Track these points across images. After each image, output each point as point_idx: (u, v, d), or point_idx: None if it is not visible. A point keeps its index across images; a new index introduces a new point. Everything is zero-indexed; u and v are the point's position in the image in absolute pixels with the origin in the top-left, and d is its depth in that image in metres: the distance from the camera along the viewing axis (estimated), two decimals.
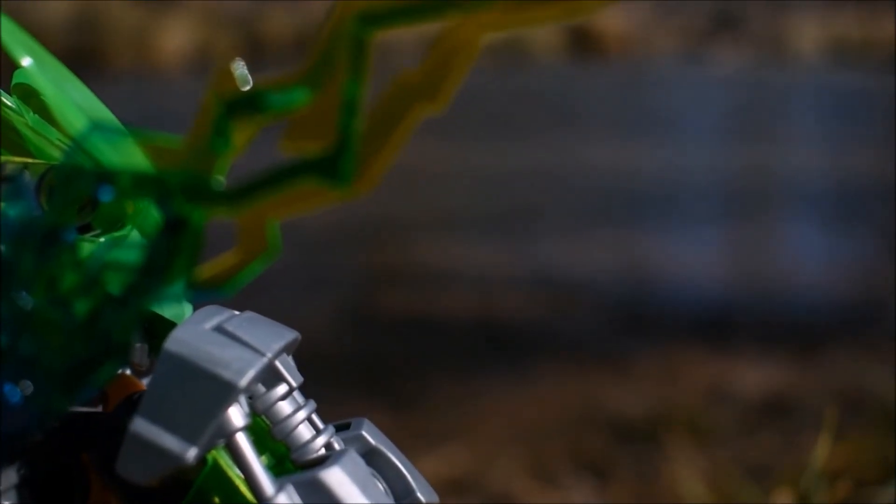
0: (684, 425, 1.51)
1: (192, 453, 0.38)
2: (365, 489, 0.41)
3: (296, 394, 0.44)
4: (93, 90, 0.50)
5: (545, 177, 3.78)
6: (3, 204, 0.39)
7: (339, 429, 0.47)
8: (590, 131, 4.87)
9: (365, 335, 2.00)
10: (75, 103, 0.48)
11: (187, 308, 0.47)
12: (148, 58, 6.42)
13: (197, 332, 0.41)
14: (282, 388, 0.43)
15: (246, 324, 0.43)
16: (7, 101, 0.46)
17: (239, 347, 0.41)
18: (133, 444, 0.39)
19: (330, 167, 0.34)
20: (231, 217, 0.36)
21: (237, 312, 0.44)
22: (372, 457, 0.46)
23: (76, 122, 0.47)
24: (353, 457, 0.42)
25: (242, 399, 0.40)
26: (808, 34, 8.70)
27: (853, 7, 8.89)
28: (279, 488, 0.40)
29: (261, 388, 0.43)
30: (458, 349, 1.93)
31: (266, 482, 0.40)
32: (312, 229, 2.91)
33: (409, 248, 2.76)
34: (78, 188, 0.37)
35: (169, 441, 0.38)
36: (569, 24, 8.43)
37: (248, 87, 0.35)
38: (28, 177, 0.44)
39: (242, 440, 0.40)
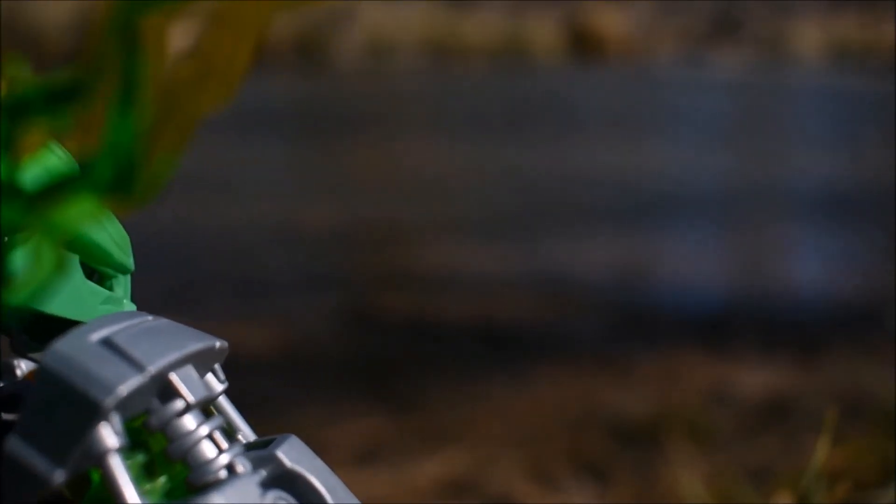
0: (684, 427, 1.51)
1: (57, 476, 0.37)
2: None
3: (199, 409, 0.42)
4: None
5: (545, 179, 3.79)
6: None
7: (260, 446, 0.44)
8: (590, 133, 4.87)
9: (363, 337, 2.00)
10: None
11: (99, 302, 0.45)
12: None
13: (79, 343, 0.39)
14: (178, 404, 0.40)
15: (141, 335, 0.40)
16: None
17: (118, 362, 0.39)
18: (7, 464, 0.37)
19: (97, 169, 0.32)
20: (20, 225, 0.34)
21: (146, 319, 0.42)
22: (288, 480, 0.43)
23: None
24: (246, 483, 0.40)
25: (116, 419, 0.38)
26: (809, 37, 8.70)
27: (854, 10, 8.89)
28: None
29: (156, 402, 0.41)
30: (457, 351, 1.93)
31: None
32: (312, 230, 2.91)
33: (409, 250, 2.77)
34: None
35: (38, 462, 0.37)
36: (569, 25, 8.43)
37: (26, 89, 0.33)
38: None
39: (113, 463, 0.38)
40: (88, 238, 0.46)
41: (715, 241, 2.92)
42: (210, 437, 0.41)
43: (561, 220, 3.11)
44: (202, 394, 0.41)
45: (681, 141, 4.67)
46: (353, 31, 7.56)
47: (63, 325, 0.42)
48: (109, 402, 0.37)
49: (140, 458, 0.42)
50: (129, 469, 0.38)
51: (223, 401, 0.45)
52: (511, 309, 2.19)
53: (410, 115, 5.49)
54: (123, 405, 0.38)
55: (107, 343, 0.39)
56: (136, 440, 0.41)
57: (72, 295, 0.44)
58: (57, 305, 0.43)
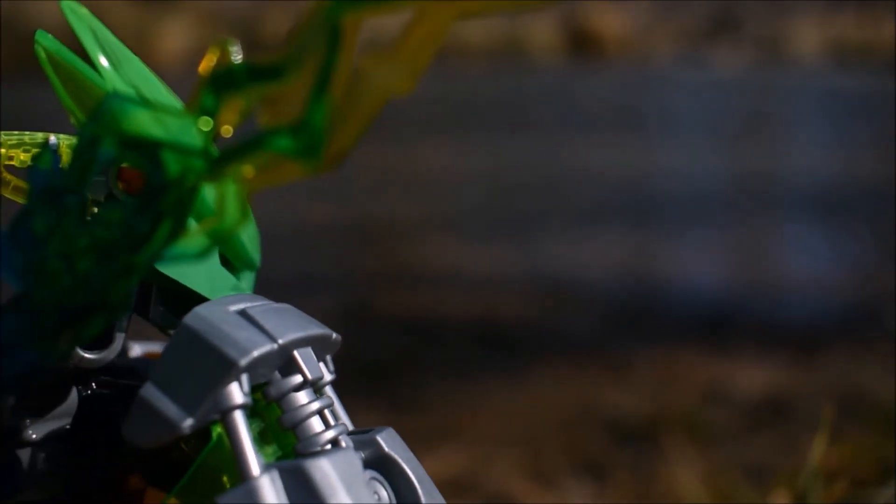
0: (682, 426, 1.51)
1: (187, 423, 0.40)
2: (350, 489, 0.41)
3: (312, 389, 0.45)
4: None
5: (544, 178, 3.79)
6: (33, 165, 0.42)
7: (361, 433, 0.47)
8: (589, 132, 4.87)
9: (363, 335, 2.00)
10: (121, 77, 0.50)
11: (229, 288, 0.49)
12: (147, 58, 6.43)
13: (219, 311, 0.42)
14: (297, 378, 0.44)
15: (271, 312, 0.44)
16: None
17: (252, 330, 0.42)
18: (139, 408, 0.40)
19: (293, 136, 0.36)
20: (209, 181, 0.38)
21: (272, 302, 0.46)
22: (384, 464, 0.46)
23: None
24: (350, 456, 0.43)
25: (245, 379, 0.41)
26: (808, 36, 8.70)
27: (852, 9, 8.89)
28: (264, 470, 0.40)
29: (277, 375, 0.44)
30: (455, 349, 1.93)
31: (253, 462, 0.40)
32: (310, 229, 2.92)
33: (408, 249, 2.77)
34: (83, 153, 0.39)
35: (170, 409, 0.40)
36: (568, 24, 8.43)
37: (233, 63, 0.37)
38: (55, 142, 0.48)
39: (238, 418, 0.41)
40: (243, 235, 0.50)
41: (713, 240, 2.92)
42: (320, 413, 0.45)
43: (560, 219, 3.12)
44: (317, 373, 0.45)
45: (680, 140, 4.67)
46: None
47: (195, 304, 0.45)
48: (244, 361, 0.41)
49: (255, 425, 0.45)
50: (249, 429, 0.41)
51: (330, 390, 0.48)
52: (509, 308, 2.20)
53: (409, 114, 5.49)
54: (253, 369, 0.42)
55: (243, 314, 0.43)
56: (252, 408, 0.44)
57: (208, 276, 0.48)
58: (195, 280, 0.47)
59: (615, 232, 2.96)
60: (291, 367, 0.44)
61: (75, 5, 0.50)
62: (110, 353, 0.47)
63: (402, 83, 0.35)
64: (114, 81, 0.47)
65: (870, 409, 1.51)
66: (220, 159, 0.37)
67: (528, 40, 8.31)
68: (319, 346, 0.46)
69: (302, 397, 0.44)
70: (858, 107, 5.74)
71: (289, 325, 0.44)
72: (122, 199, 0.44)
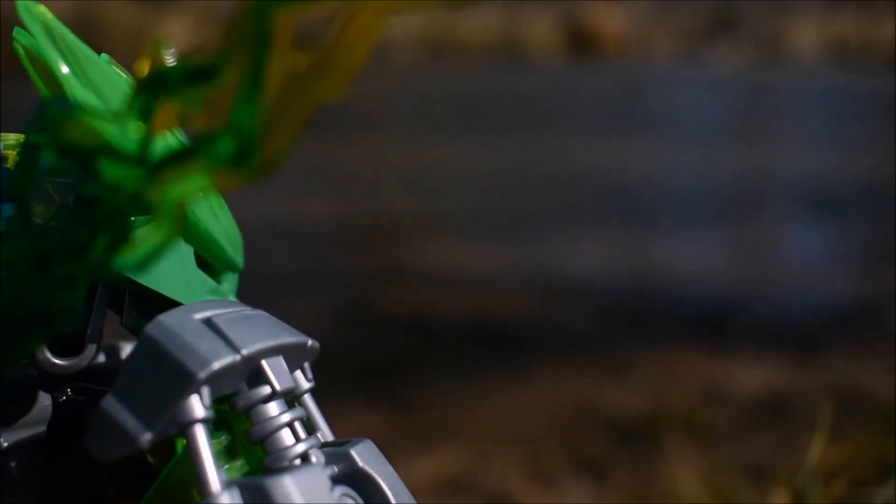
0: (681, 425, 1.51)
1: (146, 437, 0.39)
2: None
3: (284, 400, 0.43)
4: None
5: (542, 176, 3.79)
6: None
7: (336, 445, 0.46)
8: (588, 131, 4.87)
9: (361, 334, 2.00)
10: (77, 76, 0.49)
11: (206, 292, 0.48)
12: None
13: (182, 319, 0.41)
14: (265, 390, 0.43)
15: (239, 320, 0.43)
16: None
17: (215, 340, 0.41)
18: (99, 420, 0.39)
19: (222, 142, 0.35)
20: (141, 191, 0.36)
21: (244, 309, 0.44)
22: (358, 479, 0.45)
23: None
24: (317, 473, 0.41)
25: (206, 392, 0.40)
26: (807, 35, 8.70)
27: (852, 8, 8.90)
28: (224, 487, 0.39)
29: (244, 385, 0.43)
30: (454, 348, 1.93)
31: (213, 478, 0.39)
32: (308, 227, 2.92)
33: (407, 248, 2.77)
34: (24, 160, 0.38)
35: (128, 421, 0.39)
36: (566, 23, 8.43)
37: (165, 66, 0.36)
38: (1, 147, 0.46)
39: (198, 432, 0.39)
40: (205, 230, 0.48)
41: (713, 239, 2.93)
42: (290, 426, 0.43)
43: (558, 218, 3.12)
44: (288, 384, 0.43)
45: (679, 139, 4.67)
46: None
47: (170, 307, 0.44)
48: (202, 374, 0.39)
49: (223, 438, 0.44)
50: (212, 445, 0.40)
51: (308, 399, 0.47)
52: (509, 307, 2.20)
53: (407, 112, 5.49)
54: (215, 381, 0.40)
55: (208, 322, 0.41)
56: (221, 420, 0.43)
57: (182, 279, 0.47)
58: (166, 285, 0.46)
59: (615, 231, 2.96)
60: (259, 377, 0.43)
61: (31, 5, 0.49)
62: (82, 360, 0.46)
63: (335, 85, 0.34)
64: (72, 86, 0.46)
65: (869, 408, 1.51)
66: (157, 166, 0.36)
67: (527, 39, 8.31)
68: (294, 355, 0.45)
69: (271, 409, 0.43)
70: (858, 106, 5.75)
71: (256, 334, 0.42)
72: (58, 208, 0.43)
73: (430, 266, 2.53)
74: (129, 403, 0.39)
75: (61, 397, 0.47)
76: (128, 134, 0.36)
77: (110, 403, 0.39)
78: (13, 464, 0.46)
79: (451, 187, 3.64)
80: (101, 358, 0.51)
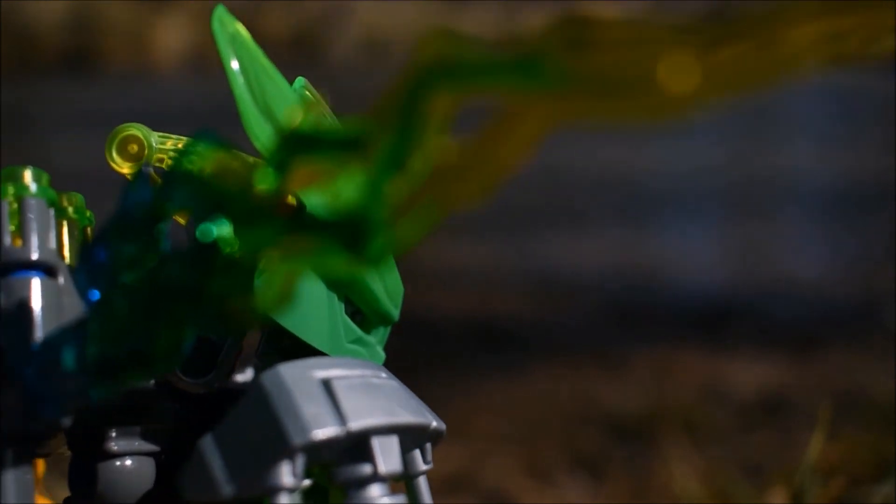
0: (680, 423, 1.51)
1: (227, 490, 0.38)
2: None
3: (386, 482, 0.41)
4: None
5: (539, 174, 3.79)
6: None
7: None
8: (584, 128, 4.86)
9: None
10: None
11: (349, 342, 0.46)
12: (144, 56, 6.42)
13: (300, 375, 0.39)
14: (366, 469, 0.40)
15: (361, 388, 0.41)
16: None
17: (326, 407, 0.39)
18: (194, 458, 0.39)
19: (343, 233, 0.32)
20: (252, 250, 0.34)
21: (378, 374, 0.43)
22: None
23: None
24: None
25: (300, 460, 0.38)
26: None
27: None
28: None
29: (348, 459, 0.41)
30: (451, 346, 1.93)
31: None
32: None
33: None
34: (161, 191, 0.37)
35: (217, 469, 0.38)
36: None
37: (308, 127, 0.34)
38: (149, 169, 0.45)
39: (282, 501, 0.38)
40: (362, 280, 0.46)
41: (711, 237, 2.92)
42: None
43: (556, 216, 3.12)
44: (394, 468, 0.41)
45: (675, 137, 4.67)
46: (350, 26, 7.56)
47: (312, 353, 0.43)
48: (299, 442, 0.37)
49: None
50: None
51: (421, 482, 0.44)
52: (506, 305, 2.20)
53: None
54: (313, 451, 0.38)
55: (325, 384, 0.39)
56: (317, 487, 0.41)
57: (322, 325, 0.44)
58: (305, 328, 0.44)
59: (612, 229, 2.96)
60: (364, 454, 0.40)
61: (227, 18, 0.47)
62: (210, 382, 0.45)
63: (478, 190, 0.30)
64: (239, 88, 0.44)
65: (867, 406, 1.51)
66: (285, 229, 0.34)
67: (523, 36, 8.30)
68: (412, 435, 0.43)
69: (371, 490, 0.40)
70: (857, 105, 5.75)
71: (373, 408, 0.40)
72: (175, 249, 0.41)
73: (427, 264, 2.53)
74: (224, 450, 0.38)
75: (183, 410, 0.46)
76: (265, 184, 0.34)
77: (207, 445, 0.38)
78: (127, 468, 0.44)
79: None
80: (245, 376, 0.49)
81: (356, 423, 0.39)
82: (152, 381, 0.44)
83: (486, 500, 1.33)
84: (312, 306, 0.44)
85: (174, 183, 0.36)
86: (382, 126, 0.31)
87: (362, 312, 0.48)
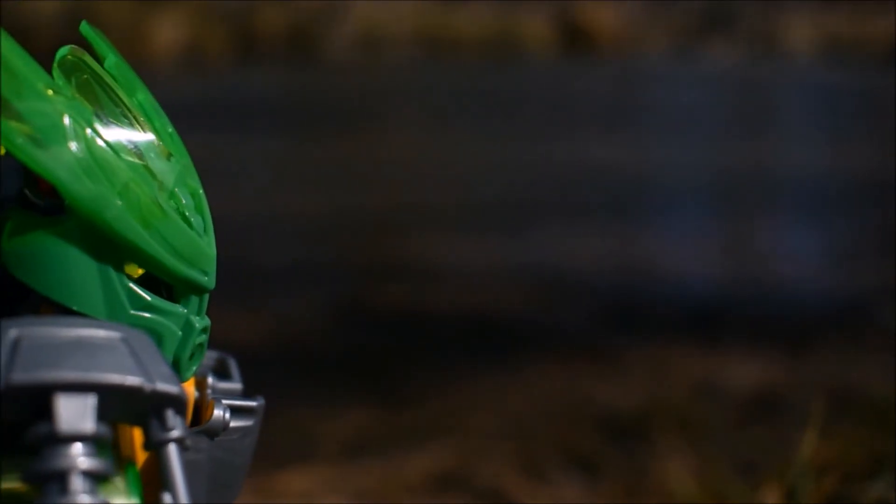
0: (674, 421, 1.51)
1: None
2: None
3: (82, 442, 0.40)
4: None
5: (536, 171, 3.78)
6: None
7: None
8: (581, 127, 4.87)
9: (354, 330, 2.00)
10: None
11: (128, 311, 0.46)
12: (139, 53, 6.40)
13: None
14: (44, 427, 0.40)
15: (55, 346, 0.40)
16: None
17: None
18: None
19: None
20: None
21: (109, 335, 0.42)
22: None
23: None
24: None
25: None
26: (801, 31, 8.70)
27: (845, 5, 8.89)
28: None
29: (32, 416, 0.41)
30: (447, 344, 1.93)
31: None
32: (303, 222, 2.91)
33: (400, 243, 2.77)
34: None
35: None
36: (560, 19, 8.42)
37: None
38: None
39: None
40: (135, 245, 0.45)
41: (705, 235, 2.93)
42: (76, 475, 0.38)
43: (552, 213, 3.12)
44: (77, 427, 0.39)
45: (672, 135, 4.67)
46: (346, 23, 7.55)
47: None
48: None
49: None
50: None
51: (170, 451, 0.42)
52: (502, 303, 2.20)
53: (402, 107, 5.49)
54: None
55: (15, 341, 0.39)
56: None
57: (92, 293, 0.44)
58: (66, 296, 0.43)
59: (607, 227, 2.96)
60: (46, 412, 0.39)
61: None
62: None
63: None
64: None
65: (860, 403, 1.52)
66: None
67: (521, 35, 8.30)
68: (128, 399, 0.40)
69: (57, 451, 0.39)
70: (851, 102, 5.75)
71: (61, 364, 0.39)
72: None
73: (424, 261, 2.53)
74: None
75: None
76: None
77: None
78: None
79: (444, 183, 3.63)
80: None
81: (19, 377, 0.38)
82: None
83: (481, 498, 1.33)
84: (78, 276, 0.43)
85: None
86: None
87: (160, 280, 0.47)
